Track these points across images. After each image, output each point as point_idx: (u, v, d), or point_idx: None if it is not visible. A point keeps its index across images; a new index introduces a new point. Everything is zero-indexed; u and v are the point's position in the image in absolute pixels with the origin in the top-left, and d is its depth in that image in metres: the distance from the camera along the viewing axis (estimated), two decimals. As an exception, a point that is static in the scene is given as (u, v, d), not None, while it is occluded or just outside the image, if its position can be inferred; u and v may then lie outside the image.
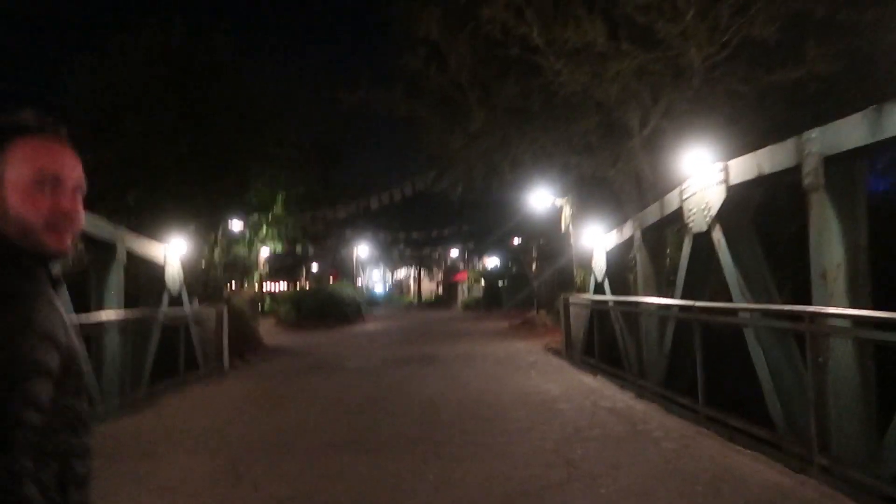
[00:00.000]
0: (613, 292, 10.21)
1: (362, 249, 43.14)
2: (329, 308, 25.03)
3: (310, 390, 9.82)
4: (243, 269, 20.19)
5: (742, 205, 6.41)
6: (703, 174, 6.68)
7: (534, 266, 26.30)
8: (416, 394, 9.04)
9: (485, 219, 28.07)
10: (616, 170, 14.78)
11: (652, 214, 8.28)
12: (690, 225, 7.03)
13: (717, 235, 6.42)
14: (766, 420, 5.65)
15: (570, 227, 15.81)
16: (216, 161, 17.07)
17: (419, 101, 13.80)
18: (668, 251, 9.21)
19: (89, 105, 16.69)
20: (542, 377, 10.38)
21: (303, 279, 45.29)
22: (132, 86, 16.84)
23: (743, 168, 5.94)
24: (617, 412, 7.42)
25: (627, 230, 9.35)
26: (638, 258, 8.75)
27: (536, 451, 5.79)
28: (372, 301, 52.01)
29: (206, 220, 16.66)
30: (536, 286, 26.44)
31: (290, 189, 25.47)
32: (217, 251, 17.41)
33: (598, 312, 10.61)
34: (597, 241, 11.10)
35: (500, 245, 33.25)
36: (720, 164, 6.37)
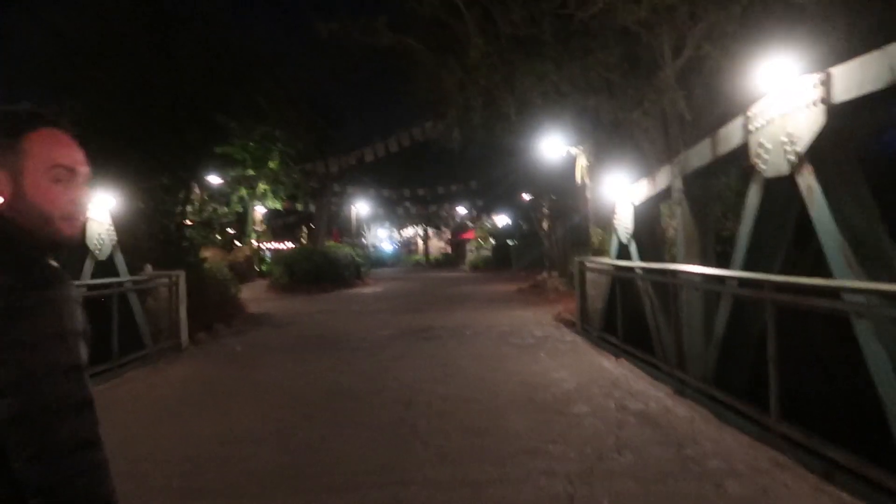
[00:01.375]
0: (642, 257, 8.26)
1: (366, 207, 41.21)
2: (324, 270, 23.23)
3: (263, 380, 8.02)
4: (223, 228, 18.31)
5: (846, 136, 4.40)
6: (786, 93, 4.65)
7: (545, 224, 24.30)
8: (393, 387, 7.21)
9: (493, 173, 25.96)
10: (641, 112, 12.66)
11: (699, 156, 6.25)
12: (762, 167, 5.02)
13: (808, 181, 4.42)
14: (888, 455, 3.76)
15: (586, 179, 13.77)
16: (184, 112, 15.08)
17: (408, 30, 11.66)
18: (718, 205, 7.22)
19: (49, 54, 14.76)
20: (553, 360, 8.53)
21: (305, 239, 43.59)
22: (94, 35, 14.89)
23: (859, 77, 3.91)
24: (652, 420, 5.55)
25: (662, 178, 7.34)
26: (678, 214, 6.76)
27: (541, 499, 3.95)
28: (379, 261, 50.32)
29: (175, 175, 14.76)
30: (548, 246, 24.52)
31: (287, 146, 23.51)
32: (188, 209, 15.55)
33: (622, 281, 8.69)
34: (621, 194, 9.10)
35: (510, 202, 31.18)
36: (816, 77, 4.33)
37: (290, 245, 39.47)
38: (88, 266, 7.96)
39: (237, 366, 9.07)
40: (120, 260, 8.83)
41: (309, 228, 43.29)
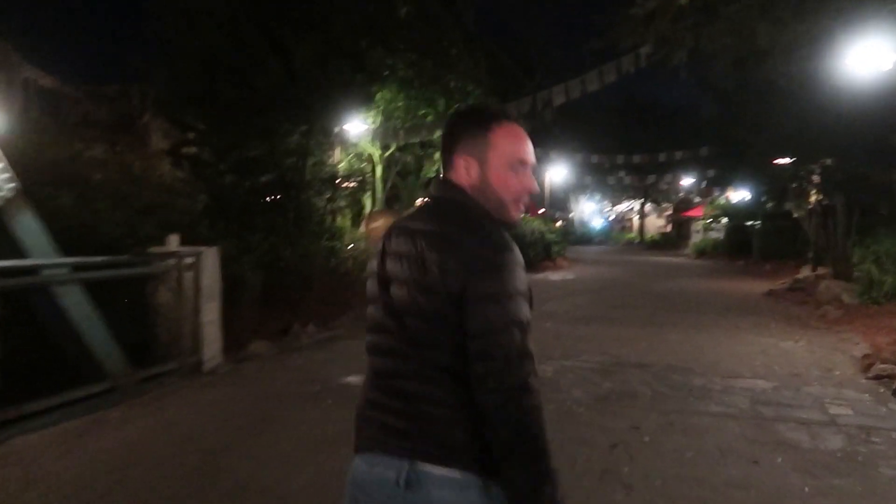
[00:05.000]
0: None
1: (568, 175, 35.71)
2: (503, 248, 18.59)
3: (229, 479, 3.60)
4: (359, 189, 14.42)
5: None
6: None
7: (812, 198, 17.27)
8: None
9: (735, 131, 19.31)
10: None
11: None
12: None
13: None
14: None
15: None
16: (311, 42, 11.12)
17: None
18: None
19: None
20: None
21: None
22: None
23: None
24: None
25: None
26: None
27: None
28: (584, 237, 44.88)
29: (290, 116, 10.98)
30: (811, 230, 17.47)
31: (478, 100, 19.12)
32: (310, 162, 11.77)
33: None
34: None
35: (754, 170, 23.81)
36: None
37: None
38: None
39: (234, 427, 4.80)
40: (29, 228, 4.88)
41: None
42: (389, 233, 1.54)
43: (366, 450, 1.48)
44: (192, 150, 11.85)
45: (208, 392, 5.92)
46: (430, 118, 18.43)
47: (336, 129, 12.87)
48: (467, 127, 1.54)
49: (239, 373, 6.64)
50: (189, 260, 6.39)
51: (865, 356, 7.31)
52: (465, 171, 1.51)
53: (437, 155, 16.18)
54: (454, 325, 1.37)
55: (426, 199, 1.59)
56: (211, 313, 6.62)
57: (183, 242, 6.96)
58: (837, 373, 6.85)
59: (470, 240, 1.40)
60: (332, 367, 6.77)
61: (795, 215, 19.95)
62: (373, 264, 1.56)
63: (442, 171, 1.58)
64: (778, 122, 15.08)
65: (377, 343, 1.52)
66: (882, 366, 6.68)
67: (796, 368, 7.03)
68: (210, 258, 6.61)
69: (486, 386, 1.34)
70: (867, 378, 6.55)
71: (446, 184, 1.54)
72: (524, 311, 1.39)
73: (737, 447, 4.59)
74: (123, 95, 20.61)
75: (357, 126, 13.84)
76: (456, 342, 1.38)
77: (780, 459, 4.36)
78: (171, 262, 6.31)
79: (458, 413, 1.40)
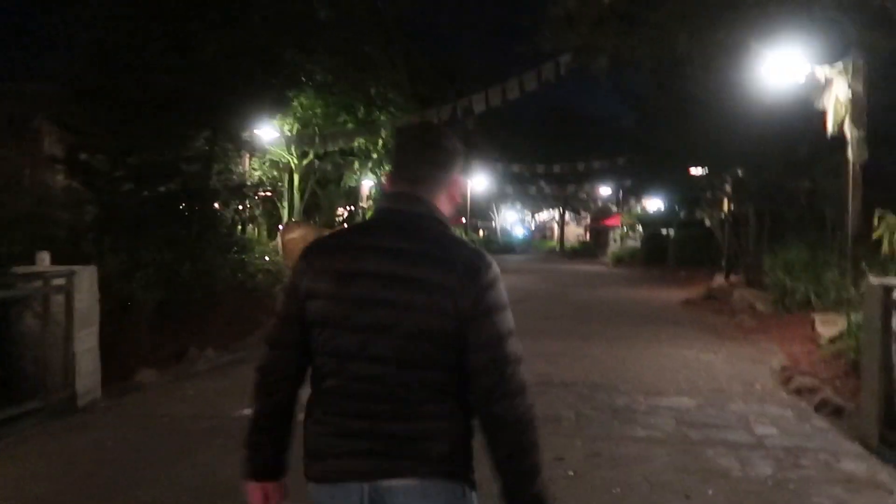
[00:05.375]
0: None
1: (488, 184, 35.68)
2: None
3: None
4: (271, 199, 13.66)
5: None
6: None
7: (725, 206, 17.71)
8: None
9: (652, 140, 19.64)
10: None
11: None
12: None
13: None
14: None
15: (849, 126, 7.50)
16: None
17: None
18: None
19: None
20: None
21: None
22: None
23: None
24: None
25: None
26: None
27: None
28: (506, 247, 45.08)
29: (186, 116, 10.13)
30: (723, 239, 17.92)
31: (399, 110, 18.59)
32: (215, 169, 10.94)
33: None
34: None
35: (668, 180, 24.43)
36: None
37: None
38: None
39: (102, 480, 4.08)
40: None
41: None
42: (349, 250, 1.49)
43: (325, 481, 1.46)
44: (84, 155, 10.85)
45: (78, 434, 5.14)
46: (350, 125, 17.79)
47: (246, 135, 12.09)
48: (458, 150, 1.58)
49: (119, 408, 5.86)
50: (59, 281, 5.58)
51: (784, 368, 7.25)
52: (456, 191, 1.59)
53: (357, 164, 15.41)
54: (457, 343, 1.41)
55: (387, 213, 1.54)
56: (87, 341, 5.82)
57: (63, 260, 6.17)
58: (758, 386, 6.73)
59: (467, 258, 1.45)
60: (229, 398, 6.09)
61: (708, 224, 20.48)
62: (324, 285, 1.46)
63: (411, 185, 1.52)
64: (694, 132, 15.31)
65: (352, 370, 1.45)
66: (801, 378, 6.60)
67: (718, 383, 6.88)
68: (86, 278, 5.82)
69: (495, 394, 1.41)
70: (788, 392, 6.44)
71: (418, 200, 1.51)
72: (512, 320, 1.48)
73: (666, 478, 4.26)
74: (13, 95, 18.96)
75: (270, 132, 13.08)
76: (451, 359, 1.42)
77: (710, 491, 4.06)
78: (38, 283, 5.50)
79: (448, 425, 1.43)
